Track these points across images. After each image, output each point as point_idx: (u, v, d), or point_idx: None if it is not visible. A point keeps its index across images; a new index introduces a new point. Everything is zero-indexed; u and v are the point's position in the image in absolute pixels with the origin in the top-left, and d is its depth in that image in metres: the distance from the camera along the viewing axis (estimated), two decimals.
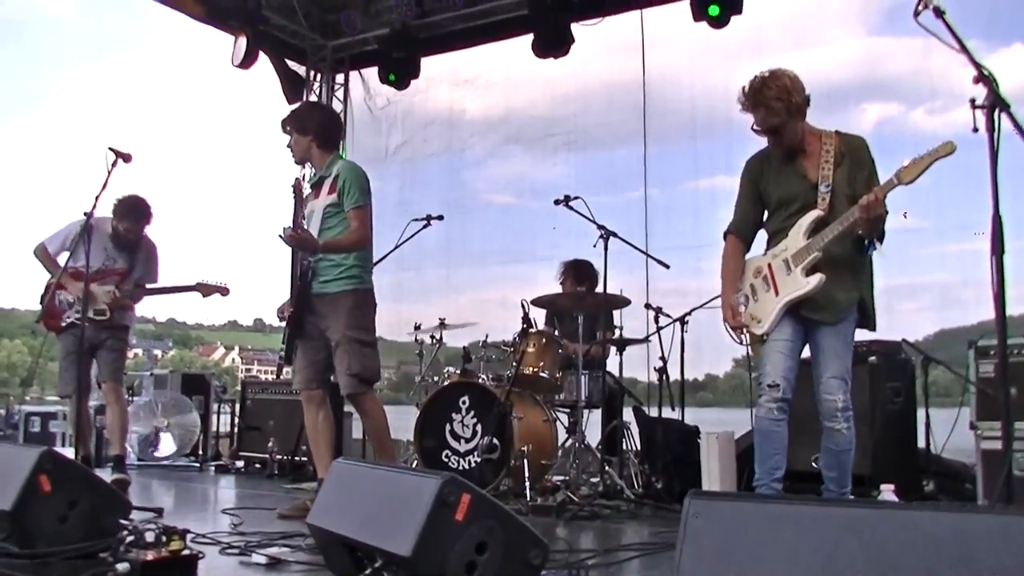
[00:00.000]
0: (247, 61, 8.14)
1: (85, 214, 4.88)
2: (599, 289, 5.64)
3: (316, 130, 4.75)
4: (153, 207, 5.62)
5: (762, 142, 3.91)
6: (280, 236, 4.43)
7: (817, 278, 3.61)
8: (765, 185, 3.90)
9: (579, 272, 6.30)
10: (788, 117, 3.66)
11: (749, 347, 3.87)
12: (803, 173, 3.77)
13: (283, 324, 4.71)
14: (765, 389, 3.69)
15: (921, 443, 5.27)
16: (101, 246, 5.50)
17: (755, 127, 3.75)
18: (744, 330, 3.83)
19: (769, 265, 3.81)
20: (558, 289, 6.28)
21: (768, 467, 3.68)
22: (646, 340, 6.16)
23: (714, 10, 6.93)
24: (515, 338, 5.84)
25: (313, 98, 9.57)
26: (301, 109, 5.09)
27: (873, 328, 3.80)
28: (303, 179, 4.99)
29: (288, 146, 4.78)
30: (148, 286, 5.73)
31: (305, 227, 4.59)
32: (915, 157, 3.31)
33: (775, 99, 3.62)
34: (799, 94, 3.67)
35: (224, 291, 5.78)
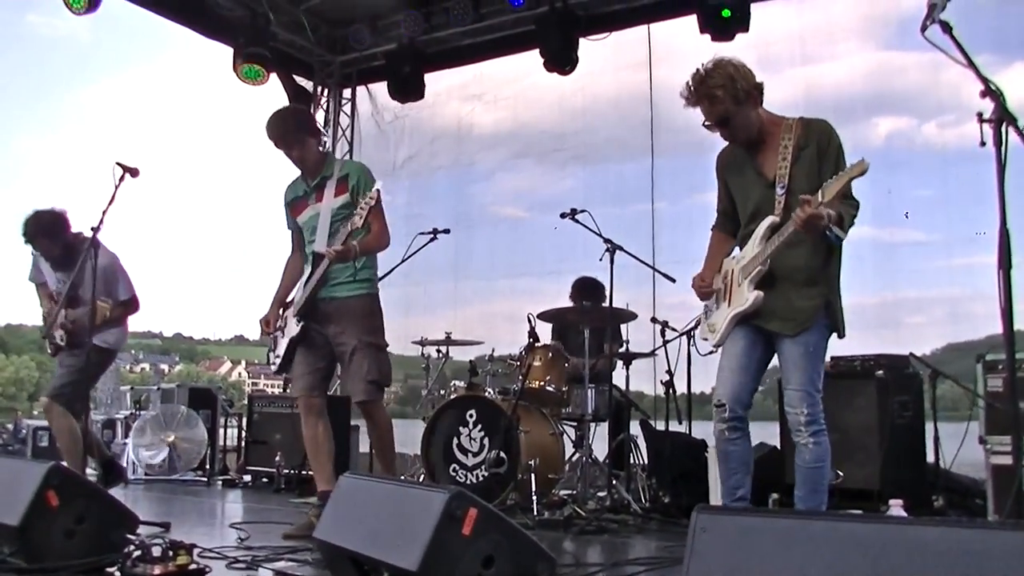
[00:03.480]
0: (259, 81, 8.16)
1: (92, 229, 4.87)
2: (605, 303, 5.64)
3: (314, 129, 4.62)
4: (63, 212, 5.31)
5: None
6: (323, 253, 4.23)
7: (755, 295, 3.43)
8: (729, 181, 3.76)
9: (583, 290, 6.28)
10: (736, 106, 3.40)
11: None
12: (759, 170, 3.55)
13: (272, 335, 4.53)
14: (714, 410, 3.56)
15: (930, 458, 5.24)
16: (50, 272, 5.50)
17: (705, 123, 3.51)
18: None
19: (732, 271, 3.65)
20: (565, 303, 6.28)
21: (729, 486, 3.54)
22: (652, 354, 6.15)
23: (727, 12, 6.88)
24: (522, 352, 5.83)
25: (320, 113, 9.60)
26: (287, 117, 4.60)
27: (842, 334, 3.52)
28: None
29: (297, 158, 4.49)
30: (122, 298, 5.37)
31: (311, 234, 4.45)
32: (835, 176, 3.17)
33: (718, 87, 3.38)
34: (746, 80, 3.41)
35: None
